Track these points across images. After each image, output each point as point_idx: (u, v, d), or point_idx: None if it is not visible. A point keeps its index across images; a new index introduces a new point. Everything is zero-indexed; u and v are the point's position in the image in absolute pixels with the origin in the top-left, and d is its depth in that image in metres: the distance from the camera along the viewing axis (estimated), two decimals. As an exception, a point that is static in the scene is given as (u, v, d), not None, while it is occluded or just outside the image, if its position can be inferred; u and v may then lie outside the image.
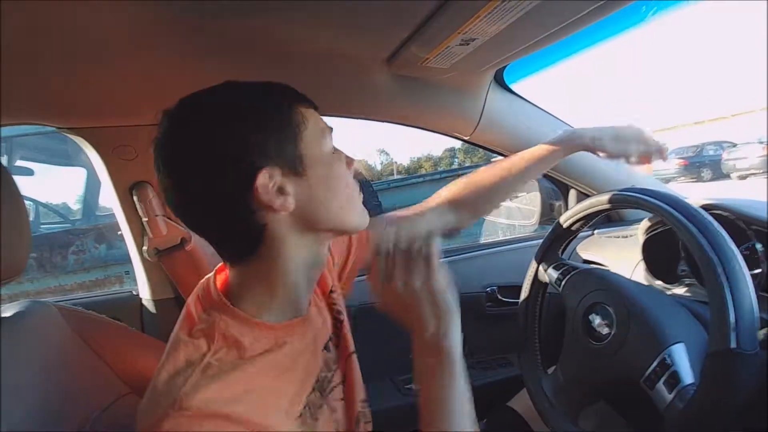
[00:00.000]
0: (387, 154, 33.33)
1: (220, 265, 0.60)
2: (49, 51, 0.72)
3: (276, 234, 0.53)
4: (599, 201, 0.84)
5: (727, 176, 11.43)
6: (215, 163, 0.49)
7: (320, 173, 0.54)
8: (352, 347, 0.71)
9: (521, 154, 0.92)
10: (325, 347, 0.64)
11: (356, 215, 0.59)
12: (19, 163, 3.61)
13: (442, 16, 0.70)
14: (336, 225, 0.57)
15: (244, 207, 0.50)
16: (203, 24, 0.70)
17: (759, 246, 0.79)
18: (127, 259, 1.19)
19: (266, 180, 0.49)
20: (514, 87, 1.14)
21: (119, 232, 1.16)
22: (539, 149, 0.91)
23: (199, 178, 0.49)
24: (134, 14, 0.66)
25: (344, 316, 0.71)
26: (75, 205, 4.47)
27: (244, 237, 0.53)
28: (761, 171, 10.12)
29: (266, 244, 0.53)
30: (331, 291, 0.72)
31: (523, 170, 0.91)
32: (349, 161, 0.60)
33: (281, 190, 0.51)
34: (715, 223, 0.64)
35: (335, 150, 0.58)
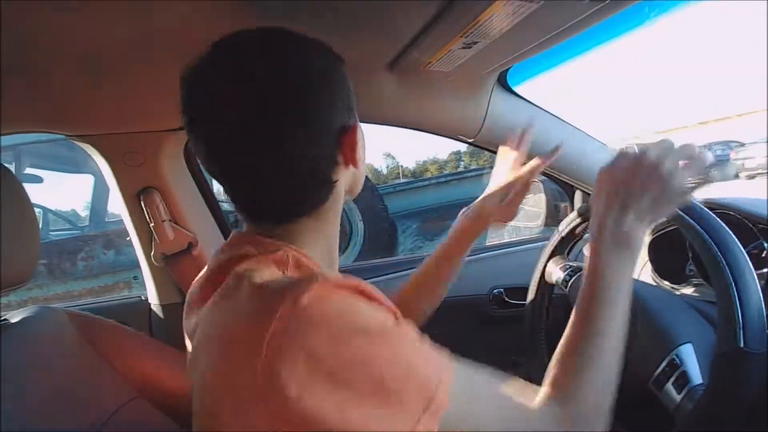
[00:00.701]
0: (393, 157, 33.25)
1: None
2: (58, 59, 0.73)
3: (338, 189, 0.53)
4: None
5: (735, 176, 11.32)
6: (310, 115, 0.47)
7: (360, 132, 0.54)
8: None
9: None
10: None
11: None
12: (29, 170, 3.66)
13: (443, 21, 0.70)
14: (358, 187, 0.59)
15: (330, 161, 0.50)
16: (208, 32, 0.71)
17: (766, 245, 0.78)
18: (136, 265, 1.20)
19: (356, 135, 0.51)
20: (517, 89, 1.14)
21: (127, 238, 1.17)
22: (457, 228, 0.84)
23: (288, 128, 0.46)
24: (142, 23, 0.67)
25: None
26: (83, 212, 4.51)
27: (317, 191, 0.51)
28: (769, 171, 10.02)
29: (331, 198, 0.53)
30: None
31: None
32: None
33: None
34: (722, 223, 0.64)
35: None
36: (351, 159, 0.51)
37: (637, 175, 0.55)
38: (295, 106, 0.46)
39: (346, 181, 0.55)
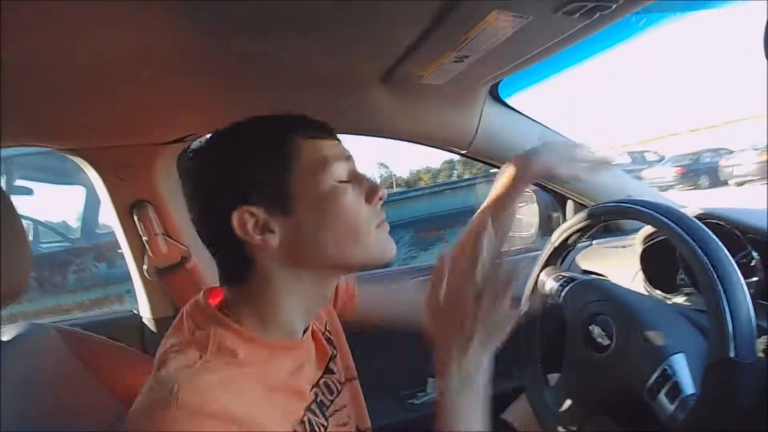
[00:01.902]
0: (386, 167, 33.23)
1: (212, 287, 0.59)
2: (50, 74, 0.72)
3: (265, 267, 0.53)
4: (595, 212, 0.84)
5: (724, 183, 11.45)
6: (206, 197, 0.54)
7: (313, 211, 0.52)
8: (352, 374, 0.70)
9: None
10: (328, 370, 0.64)
11: (364, 251, 0.55)
12: (19, 182, 3.61)
13: (435, 35, 0.71)
14: (335, 262, 0.55)
15: (230, 239, 0.51)
16: (201, 49, 0.71)
17: (755, 254, 0.79)
18: (128, 278, 1.18)
19: (242, 219, 0.50)
20: (509, 101, 1.15)
21: (120, 251, 1.16)
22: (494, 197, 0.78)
23: (200, 206, 0.55)
24: (134, 39, 0.67)
25: (336, 349, 0.69)
26: (74, 224, 4.45)
27: (235, 263, 0.54)
28: (758, 177, 10.14)
29: (257, 274, 0.53)
30: (326, 326, 0.71)
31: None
32: (372, 191, 0.56)
33: (266, 228, 0.51)
34: (711, 233, 0.65)
35: (350, 179, 0.55)
36: (247, 241, 0.51)
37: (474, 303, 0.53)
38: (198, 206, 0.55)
39: (275, 257, 0.53)
